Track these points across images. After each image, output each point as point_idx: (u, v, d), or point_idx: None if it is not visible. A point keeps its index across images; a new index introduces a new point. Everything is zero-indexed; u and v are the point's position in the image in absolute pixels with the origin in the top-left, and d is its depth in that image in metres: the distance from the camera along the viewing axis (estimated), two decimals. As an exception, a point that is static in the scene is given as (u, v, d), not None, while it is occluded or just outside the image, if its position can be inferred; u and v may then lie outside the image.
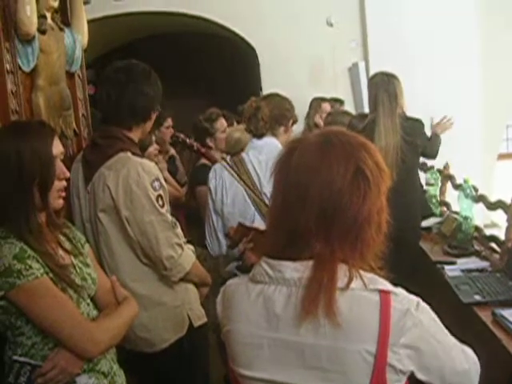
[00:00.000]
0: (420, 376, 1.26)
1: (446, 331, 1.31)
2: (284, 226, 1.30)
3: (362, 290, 1.24)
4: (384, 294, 1.24)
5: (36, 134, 1.84)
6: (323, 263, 1.24)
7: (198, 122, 4.50)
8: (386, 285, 1.26)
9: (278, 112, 3.00)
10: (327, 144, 1.29)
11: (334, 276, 1.23)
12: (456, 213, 3.95)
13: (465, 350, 1.35)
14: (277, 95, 3.17)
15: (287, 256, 1.29)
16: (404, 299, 1.25)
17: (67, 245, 1.93)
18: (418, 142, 3.74)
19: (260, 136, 2.95)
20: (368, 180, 1.26)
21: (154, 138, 4.09)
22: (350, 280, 1.24)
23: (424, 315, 1.25)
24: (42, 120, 2.34)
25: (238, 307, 1.36)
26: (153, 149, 3.99)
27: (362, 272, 1.26)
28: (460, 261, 3.34)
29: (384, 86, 3.76)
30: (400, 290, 1.27)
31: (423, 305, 1.27)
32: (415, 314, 1.23)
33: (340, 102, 5.70)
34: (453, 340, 1.32)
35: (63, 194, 1.93)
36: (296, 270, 1.27)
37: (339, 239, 1.25)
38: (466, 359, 1.32)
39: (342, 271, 1.24)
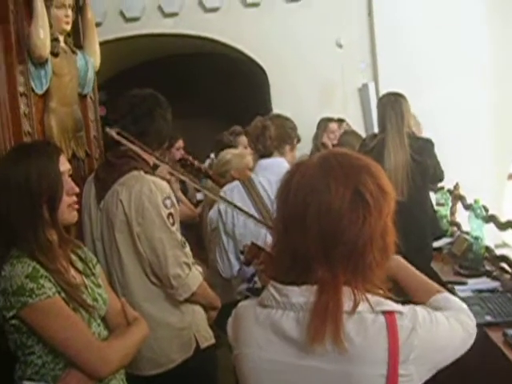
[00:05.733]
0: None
1: (441, 320, 1.30)
2: (286, 249, 1.28)
3: (369, 313, 1.22)
4: (389, 314, 1.22)
5: (41, 153, 1.86)
6: (327, 288, 1.22)
7: (222, 137, 4.65)
8: (391, 305, 1.25)
9: (283, 131, 3.00)
10: (326, 166, 1.27)
11: (338, 301, 1.21)
12: (467, 233, 3.93)
13: (462, 320, 1.41)
14: (279, 115, 3.18)
15: (291, 280, 1.27)
16: (408, 316, 1.24)
17: (79, 264, 1.94)
18: (429, 162, 3.75)
19: (269, 155, 2.96)
20: (367, 203, 1.23)
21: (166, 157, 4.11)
22: (357, 303, 1.22)
23: (425, 329, 1.24)
24: (46, 140, 2.38)
25: (246, 331, 1.34)
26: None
27: (367, 295, 1.25)
28: (471, 281, 3.31)
29: (391, 105, 3.81)
30: (404, 308, 1.26)
31: (420, 315, 1.26)
32: (419, 332, 1.22)
33: (342, 121, 5.68)
34: (453, 325, 1.33)
35: (76, 206, 1.94)
36: (302, 295, 1.25)
37: (341, 263, 1.23)
38: (465, 333, 1.39)
39: (347, 295, 1.23)
